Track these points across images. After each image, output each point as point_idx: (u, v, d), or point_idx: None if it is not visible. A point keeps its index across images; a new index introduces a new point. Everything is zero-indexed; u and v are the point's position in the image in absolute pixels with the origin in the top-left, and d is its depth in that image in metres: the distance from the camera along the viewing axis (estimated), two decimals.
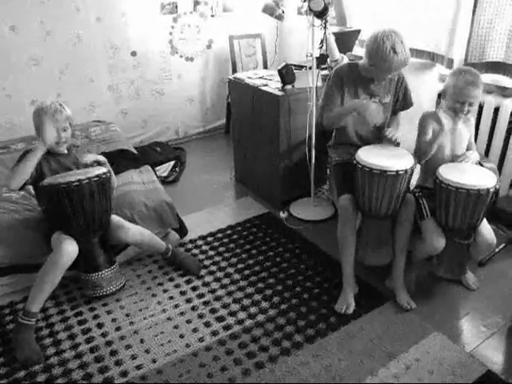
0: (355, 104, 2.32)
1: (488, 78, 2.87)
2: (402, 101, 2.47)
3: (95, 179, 2.12)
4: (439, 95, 2.29)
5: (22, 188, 2.12)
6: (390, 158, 2.16)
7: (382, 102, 2.41)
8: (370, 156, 2.18)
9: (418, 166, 2.30)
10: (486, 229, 2.17)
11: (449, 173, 2.09)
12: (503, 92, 2.79)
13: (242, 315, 2.22)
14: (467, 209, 2.04)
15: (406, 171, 2.09)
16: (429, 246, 2.15)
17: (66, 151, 2.31)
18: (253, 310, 2.25)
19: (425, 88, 3.16)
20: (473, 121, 2.33)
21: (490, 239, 2.15)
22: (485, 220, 2.17)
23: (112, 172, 2.38)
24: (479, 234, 2.15)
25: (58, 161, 2.25)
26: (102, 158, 2.31)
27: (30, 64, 3.51)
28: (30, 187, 2.25)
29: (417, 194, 2.28)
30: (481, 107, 2.82)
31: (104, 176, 2.18)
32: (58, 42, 3.56)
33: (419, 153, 2.24)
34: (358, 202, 2.25)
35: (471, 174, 2.11)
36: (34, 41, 3.46)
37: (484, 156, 2.77)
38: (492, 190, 2.01)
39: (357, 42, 3.55)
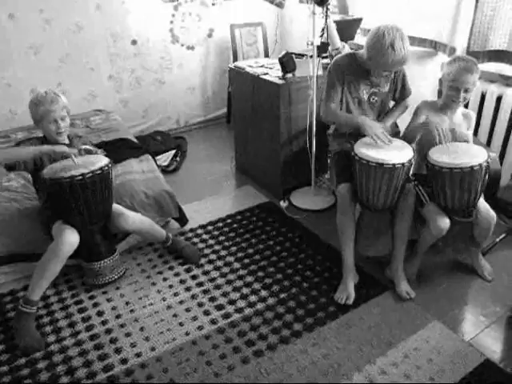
0: (355, 122, 2.33)
1: (491, 66, 2.84)
2: (401, 90, 2.47)
3: (98, 172, 2.12)
4: (441, 82, 2.27)
5: (10, 170, 2.16)
6: (388, 151, 2.13)
7: (381, 91, 2.40)
8: (368, 148, 2.15)
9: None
10: (484, 207, 2.17)
11: (439, 155, 2.08)
12: (506, 81, 2.76)
13: (241, 304, 2.22)
14: (464, 187, 2.03)
15: (403, 164, 2.06)
16: (434, 228, 2.13)
17: (67, 141, 2.30)
18: (252, 298, 2.26)
19: (427, 77, 3.14)
20: (473, 117, 2.32)
21: (489, 216, 2.16)
22: (481, 199, 2.18)
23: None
24: (478, 212, 2.16)
25: None
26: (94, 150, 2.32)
27: (30, 53, 3.49)
28: (29, 176, 2.25)
29: (413, 183, 2.28)
30: (483, 96, 2.80)
31: (106, 168, 2.17)
32: (57, 31, 3.53)
33: (407, 137, 2.26)
34: (356, 193, 2.24)
35: (461, 152, 2.10)
36: (33, 29, 3.44)
37: (486, 146, 2.75)
38: (484, 164, 2.01)
39: (358, 30, 3.53)
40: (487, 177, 2.07)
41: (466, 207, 2.12)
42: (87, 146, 2.26)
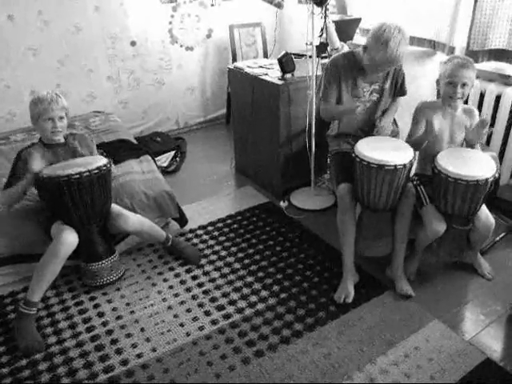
0: (346, 109, 2.37)
1: (490, 65, 2.84)
2: (399, 88, 2.48)
3: (95, 171, 2.12)
4: (438, 82, 2.27)
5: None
6: (389, 152, 2.12)
7: (381, 88, 2.40)
8: (369, 149, 2.14)
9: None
10: (484, 214, 2.17)
11: (447, 162, 2.06)
12: (506, 80, 2.76)
13: (241, 304, 2.22)
14: (466, 198, 2.03)
15: (404, 166, 2.05)
16: (430, 230, 2.14)
17: (62, 140, 2.31)
18: (253, 298, 2.26)
19: (426, 76, 3.14)
20: (476, 112, 2.30)
21: (488, 223, 2.16)
22: (483, 205, 2.17)
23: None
24: (478, 219, 2.16)
25: (53, 152, 2.25)
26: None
27: (29, 54, 3.49)
28: None
29: (415, 183, 2.27)
30: (482, 95, 2.80)
31: (104, 168, 2.17)
32: (56, 32, 3.53)
33: (411, 143, 2.23)
34: (356, 193, 2.24)
35: (469, 162, 2.09)
36: (32, 31, 3.43)
37: (485, 145, 2.76)
38: (491, 179, 2.00)
39: (357, 30, 3.53)
40: (491, 188, 2.05)
41: (466, 216, 2.13)
42: None
